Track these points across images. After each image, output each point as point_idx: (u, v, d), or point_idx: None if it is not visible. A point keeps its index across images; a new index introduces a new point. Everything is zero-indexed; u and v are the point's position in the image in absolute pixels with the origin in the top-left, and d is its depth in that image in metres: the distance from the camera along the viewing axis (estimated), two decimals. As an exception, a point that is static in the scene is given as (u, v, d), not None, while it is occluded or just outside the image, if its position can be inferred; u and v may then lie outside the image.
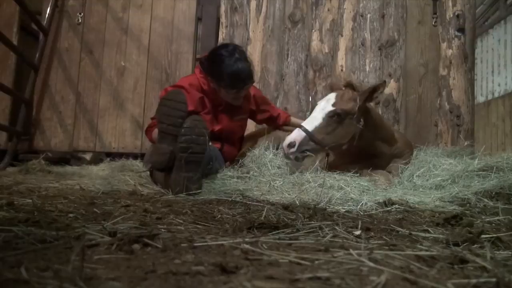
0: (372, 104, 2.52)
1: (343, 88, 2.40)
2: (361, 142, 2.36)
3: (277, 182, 2.10)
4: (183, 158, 1.91)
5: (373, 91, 2.31)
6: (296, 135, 2.22)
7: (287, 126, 2.96)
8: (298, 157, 2.23)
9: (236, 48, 2.46)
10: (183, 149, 1.91)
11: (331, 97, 2.33)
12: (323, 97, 2.46)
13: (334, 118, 2.25)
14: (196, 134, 1.93)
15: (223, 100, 2.54)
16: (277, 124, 2.94)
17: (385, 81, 2.44)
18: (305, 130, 2.22)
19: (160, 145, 2.00)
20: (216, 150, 2.43)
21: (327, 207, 1.63)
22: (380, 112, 3.40)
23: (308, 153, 2.23)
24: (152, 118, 2.58)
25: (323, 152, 2.39)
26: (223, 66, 2.36)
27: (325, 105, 2.31)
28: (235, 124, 2.64)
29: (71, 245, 0.86)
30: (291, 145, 2.20)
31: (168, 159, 1.95)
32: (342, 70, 3.70)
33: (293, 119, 3.01)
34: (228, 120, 2.59)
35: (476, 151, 2.90)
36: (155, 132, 2.30)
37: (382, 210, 1.61)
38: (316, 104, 2.40)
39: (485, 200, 1.77)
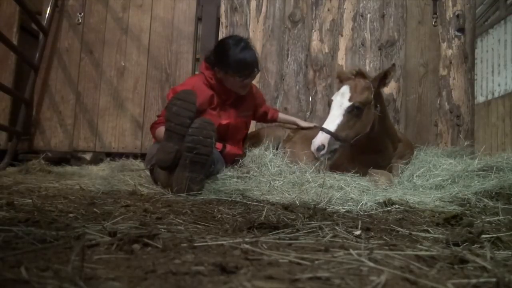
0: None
1: (353, 77, 2.39)
2: (375, 131, 2.38)
3: (277, 182, 2.10)
4: (188, 158, 1.91)
5: (384, 76, 2.33)
6: (322, 138, 2.24)
7: (275, 122, 3.05)
8: (329, 157, 2.28)
9: (242, 38, 2.55)
10: (189, 149, 1.91)
11: (345, 90, 2.33)
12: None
13: (354, 112, 2.27)
14: (203, 135, 1.93)
15: (231, 94, 2.57)
16: (266, 120, 3.02)
17: (394, 65, 2.43)
18: (328, 132, 2.24)
19: (166, 143, 2.00)
20: (217, 153, 2.43)
21: (327, 207, 1.63)
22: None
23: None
24: (158, 116, 2.58)
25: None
26: (230, 54, 2.43)
27: (341, 100, 2.31)
28: (241, 120, 2.67)
29: (71, 245, 0.86)
30: (319, 148, 2.23)
31: (173, 158, 1.95)
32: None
33: (281, 115, 3.08)
34: (236, 116, 2.63)
35: (476, 151, 2.91)
36: (159, 130, 2.31)
37: (382, 210, 1.61)
38: (331, 101, 2.40)
39: (485, 200, 1.77)
